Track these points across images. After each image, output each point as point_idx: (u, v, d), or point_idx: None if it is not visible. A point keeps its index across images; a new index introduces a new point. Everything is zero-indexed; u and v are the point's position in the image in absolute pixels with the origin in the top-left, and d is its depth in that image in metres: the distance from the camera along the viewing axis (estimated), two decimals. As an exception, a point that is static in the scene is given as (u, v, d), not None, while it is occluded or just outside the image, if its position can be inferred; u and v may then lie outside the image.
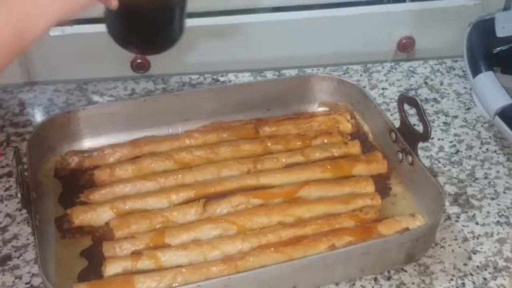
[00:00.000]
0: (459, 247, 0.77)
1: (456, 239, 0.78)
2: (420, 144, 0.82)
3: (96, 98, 0.99)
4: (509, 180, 0.86)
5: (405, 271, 0.74)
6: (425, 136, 0.79)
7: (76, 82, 1.02)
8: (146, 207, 0.78)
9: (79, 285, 0.69)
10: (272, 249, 0.72)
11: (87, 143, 0.87)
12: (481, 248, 0.77)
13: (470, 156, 0.90)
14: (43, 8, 0.64)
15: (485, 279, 0.74)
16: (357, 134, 0.91)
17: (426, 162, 0.88)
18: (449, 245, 0.78)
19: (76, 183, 0.82)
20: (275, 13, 1.06)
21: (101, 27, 1.00)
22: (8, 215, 0.80)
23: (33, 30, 0.63)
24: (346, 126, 0.92)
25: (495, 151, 0.91)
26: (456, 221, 0.81)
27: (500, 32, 0.97)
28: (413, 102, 0.81)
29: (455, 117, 0.97)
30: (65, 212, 0.78)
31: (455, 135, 0.94)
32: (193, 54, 1.03)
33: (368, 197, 0.80)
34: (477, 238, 0.79)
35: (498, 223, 0.81)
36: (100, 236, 0.76)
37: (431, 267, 0.75)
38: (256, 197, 0.79)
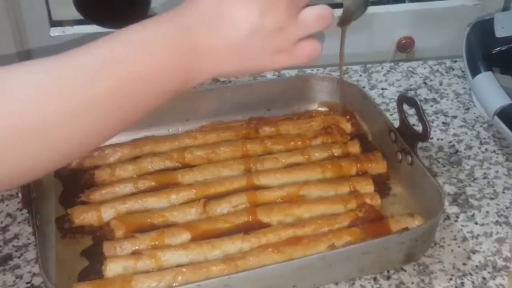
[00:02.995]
0: (458, 247, 0.78)
1: (455, 239, 0.79)
2: (420, 144, 0.82)
3: (96, 98, 0.99)
4: (508, 180, 0.87)
5: (405, 270, 0.75)
6: (425, 136, 0.79)
7: (77, 82, 1.02)
8: (146, 206, 0.79)
9: (79, 284, 0.69)
10: (272, 249, 0.73)
11: (88, 143, 0.87)
12: (480, 247, 0.78)
13: (469, 156, 0.90)
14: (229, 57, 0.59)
15: (484, 278, 0.74)
16: (357, 134, 0.91)
17: (426, 162, 0.88)
18: (448, 244, 0.78)
19: (77, 183, 0.82)
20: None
21: (102, 27, 1.00)
22: (9, 214, 0.80)
23: (199, 75, 0.59)
24: (346, 126, 0.92)
25: (494, 151, 0.91)
26: (456, 221, 0.81)
27: (499, 33, 0.97)
28: (412, 102, 0.81)
29: (454, 117, 0.97)
30: (66, 212, 0.78)
31: (454, 135, 0.94)
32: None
33: (367, 197, 0.80)
34: (476, 238, 0.79)
35: (497, 223, 0.81)
36: (100, 236, 0.76)
37: (431, 267, 0.75)
38: (256, 197, 0.79)
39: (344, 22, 0.79)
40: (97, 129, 0.54)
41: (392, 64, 1.08)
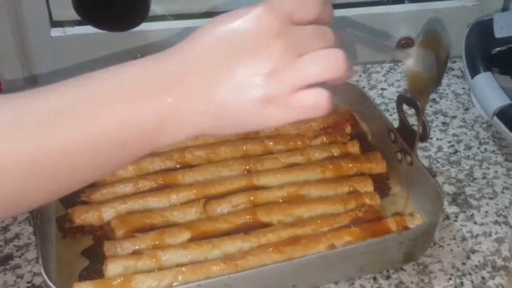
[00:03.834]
0: (458, 246, 0.78)
1: (454, 239, 0.79)
2: (419, 144, 0.82)
3: (96, 98, 0.99)
4: (507, 180, 0.87)
5: (404, 270, 0.75)
6: (424, 136, 0.79)
7: (77, 82, 1.02)
8: (146, 206, 0.79)
9: (80, 284, 0.70)
10: (272, 248, 0.73)
11: (88, 143, 0.88)
12: (480, 247, 0.78)
13: (468, 156, 0.91)
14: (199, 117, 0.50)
15: (483, 278, 0.74)
16: (357, 134, 0.91)
17: (425, 162, 0.89)
18: (448, 244, 0.78)
19: (77, 183, 0.82)
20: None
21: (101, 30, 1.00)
22: (9, 214, 0.80)
23: (171, 133, 0.50)
24: (346, 126, 0.92)
25: (494, 151, 0.91)
26: (455, 220, 0.81)
27: (499, 33, 0.97)
28: (412, 103, 0.81)
29: (454, 117, 0.98)
30: (66, 212, 0.78)
31: (454, 135, 0.94)
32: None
33: (367, 197, 0.80)
34: (476, 238, 0.79)
35: (496, 222, 0.81)
36: (101, 236, 0.76)
37: (430, 267, 0.75)
38: (256, 197, 0.80)
39: (415, 91, 0.66)
40: (29, 189, 0.48)
41: (392, 64, 1.08)
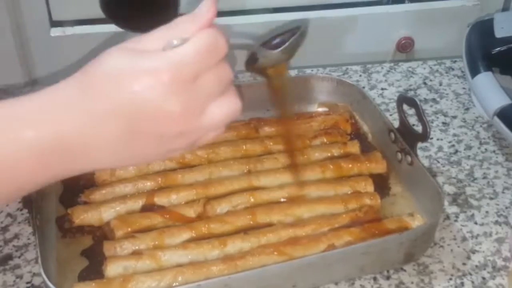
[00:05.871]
0: (458, 246, 0.78)
1: (455, 239, 0.79)
2: (419, 144, 0.82)
3: (96, 98, 0.99)
4: (507, 180, 0.87)
5: (404, 270, 0.75)
6: (424, 136, 0.79)
7: (77, 82, 1.02)
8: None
9: (80, 284, 0.70)
10: (272, 249, 0.73)
11: (88, 143, 0.88)
12: (480, 247, 0.78)
13: (469, 156, 0.91)
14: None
15: (484, 278, 0.74)
16: (357, 134, 0.91)
17: (425, 162, 0.89)
18: (448, 244, 0.78)
19: (77, 183, 0.82)
20: (275, 14, 1.06)
21: (102, 28, 1.00)
22: (9, 214, 0.80)
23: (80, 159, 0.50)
24: (346, 126, 0.92)
25: (494, 151, 0.91)
26: (455, 220, 0.81)
27: (499, 33, 0.97)
28: (412, 103, 0.81)
29: (454, 117, 0.97)
30: (66, 212, 0.78)
31: (454, 135, 0.94)
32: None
33: (367, 197, 0.80)
34: (476, 238, 0.79)
35: (496, 222, 0.81)
36: (100, 236, 0.76)
37: (430, 267, 0.75)
38: (256, 197, 0.79)
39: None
40: None
41: (392, 64, 1.08)
